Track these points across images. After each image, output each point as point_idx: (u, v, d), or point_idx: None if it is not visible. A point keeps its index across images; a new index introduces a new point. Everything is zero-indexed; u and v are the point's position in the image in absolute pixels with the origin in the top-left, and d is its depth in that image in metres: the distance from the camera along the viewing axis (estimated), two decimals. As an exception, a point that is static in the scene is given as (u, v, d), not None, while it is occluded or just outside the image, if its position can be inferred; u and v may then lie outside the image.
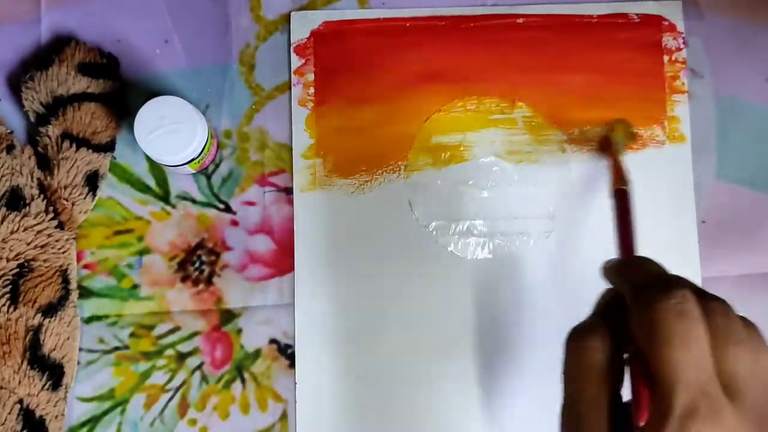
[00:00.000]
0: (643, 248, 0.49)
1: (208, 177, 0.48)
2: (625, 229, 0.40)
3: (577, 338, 0.31)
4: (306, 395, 0.47)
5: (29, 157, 0.46)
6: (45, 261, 0.44)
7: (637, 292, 0.28)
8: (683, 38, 0.50)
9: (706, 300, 0.27)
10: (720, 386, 0.26)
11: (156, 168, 0.48)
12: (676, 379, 0.25)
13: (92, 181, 0.46)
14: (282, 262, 0.48)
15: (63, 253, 0.45)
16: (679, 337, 0.26)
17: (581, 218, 0.49)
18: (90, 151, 0.46)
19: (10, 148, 0.46)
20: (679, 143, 0.50)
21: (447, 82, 0.49)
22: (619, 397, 0.30)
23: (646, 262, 0.32)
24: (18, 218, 0.44)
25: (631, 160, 0.48)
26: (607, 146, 0.48)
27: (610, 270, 0.33)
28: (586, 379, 0.29)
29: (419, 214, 0.49)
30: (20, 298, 0.43)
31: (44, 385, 0.43)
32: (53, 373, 0.44)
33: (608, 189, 0.45)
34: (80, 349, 0.47)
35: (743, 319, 0.28)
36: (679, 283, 0.28)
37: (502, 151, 0.49)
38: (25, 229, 0.44)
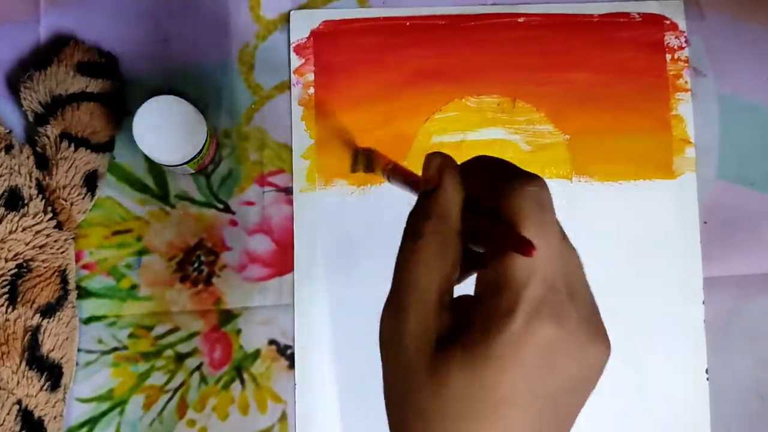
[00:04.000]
0: (645, 248, 0.49)
1: (208, 177, 0.48)
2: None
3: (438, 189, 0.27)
4: (305, 396, 0.47)
5: (28, 157, 0.45)
6: (43, 261, 0.44)
7: (495, 183, 0.26)
8: (685, 37, 0.50)
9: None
10: (566, 282, 0.24)
11: (155, 168, 0.48)
12: (532, 269, 0.23)
13: (91, 180, 0.46)
14: (281, 262, 0.48)
15: (62, 253, 0.45)
16: (538, 222, 0.24)
17: (583, 216, 0.49)
18: (89, 150, 0.46)
19: (8, 148, 0.45)
20: (683, 143, 0.49)
21: (447, 81, 0.49)
22: (451, 293, 0.26)
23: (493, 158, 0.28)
24: (16, 218, 0.43)
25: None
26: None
27: (444, 160, 0.28)
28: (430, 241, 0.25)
29: (419, 214, 0.48)
30: (19, 299, 0.43)
31: (43, 385, 0.43)
32: (52, 374, 0.43)
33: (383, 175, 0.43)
34: (79, 350, 0.46)
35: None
36: (535, 174, 0.26)
37: (503, 150, 0.49)
38: (24, 229, 0.44)
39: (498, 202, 0.25)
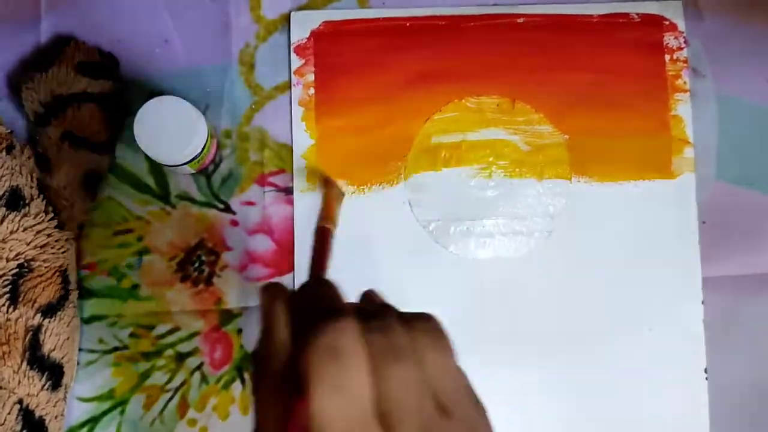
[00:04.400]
0: (644, 248, 0.49)
1: (208, 177, 0.48)
2: (319, 266, 0.38)
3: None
4: (306, 395, 0.47)
5: (29, 158, 0.46)
6: (45, 261, 0.44)
7: (296, 329, 0.26)
8: (684, 37, 0.50)
9: (367, 323, 0.24)
10: (378, 415, 0.23)
11: (156, 168, 0.48)
12: (327, 426, 0.22)
13: (92, 181, 0.46)
14: (282, 262, 0.48)
15: (63, 253, 0.45)
16: (330, 379, 0.23)
17: (582, 217, 0.49)
18: (90, 151, 0.46)
19: (9, 148, 0.45)
20: (682, 144, 0.50)
21: (447, 82, 0.49)
22: None
23: (321, 288, 0.28)
24: (18, 218, 0.43)
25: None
26: (325, 187, 0.47)
27: (272, 296, 0.28)
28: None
29: (419, 214, 0.49)
30: (20, 298, 0.43)
31: (44, 385, 0.43)
32: (53, 374, 0.43)
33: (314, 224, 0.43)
34: (80, 350, 0.47)
35: (422, 319, 0.26)
36: (339, 313, 0.24)
37: (503, 150, 0.49)
38: (25, 229, 0.44)
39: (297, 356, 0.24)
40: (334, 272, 0.48)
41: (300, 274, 0.47)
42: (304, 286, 0.29)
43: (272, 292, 0.27)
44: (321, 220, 0.44)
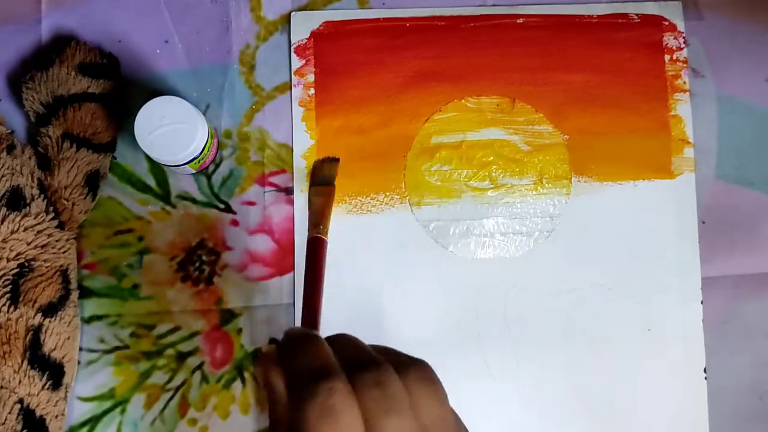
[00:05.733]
0: (644, 248, 0.49)
1: (209, 177, 0.48)
2: (314, 288, 0.36)
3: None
4: (306, 395, 0.47)
5: (30, 157, 0.46)
6: (45, 261, 0.44)
7: (289, 390, 0.27)
8: (684, 37, 0.50)
9: (360, 377, 0.25)
10: None
11: (156, 168, 0.48)
12: None
13: (93, 181, 0.46)
14: (282, 261, 0.48)
15: (63, 252, 0.45)
16: None
17: (582, 217, 0.49)
18: (90, 151, 0.46)
19: (10, 148, 0.46)
20: (682, 144, 0.50)
21: (447, 82, 0.49)
22: None
23: (309, 346, 0.28)
24: (18, 218, 0.44)
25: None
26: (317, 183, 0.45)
27: (267, 359, 0.28)
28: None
29: (419, 214, 0.49)
30: (21, 298, 0.43)
31: (44, 384, 0.43)
32: (53, 373, 0.44)
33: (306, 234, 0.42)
34: (80, 349, 0.47)
35: (416, 368, 0.27)
36: (329, 372, 0.25)
37: (502, 150, 0.49)
38: (26, 229, 0.44)
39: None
40: (333, 272, 0.48)
41: (301, 274, 0.47)
42: (291, 341, 0.29)
43: (263, 361, 0.28)
44: (314, 227, 0.41)
